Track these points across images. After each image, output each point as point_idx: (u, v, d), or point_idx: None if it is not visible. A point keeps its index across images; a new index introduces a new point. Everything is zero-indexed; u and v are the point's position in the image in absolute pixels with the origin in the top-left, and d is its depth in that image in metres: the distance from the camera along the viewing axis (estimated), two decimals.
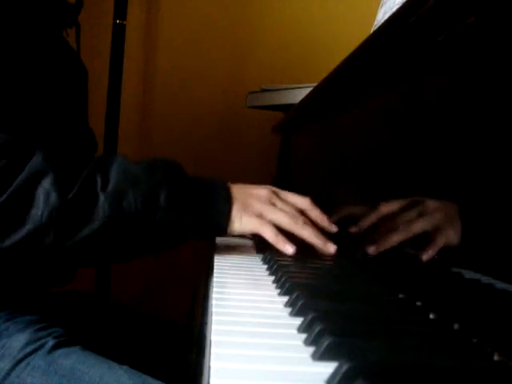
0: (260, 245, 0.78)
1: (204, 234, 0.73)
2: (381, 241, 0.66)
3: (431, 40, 0.57)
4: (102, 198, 0.64)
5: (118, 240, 0.67)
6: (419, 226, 0.59)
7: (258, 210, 0.71)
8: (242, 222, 0.70)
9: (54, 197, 0.62)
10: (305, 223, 0.72)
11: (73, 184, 0.63)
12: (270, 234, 0.70)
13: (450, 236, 0.54)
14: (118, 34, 1.67)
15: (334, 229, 0.75)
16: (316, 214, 0.75)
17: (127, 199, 0.65)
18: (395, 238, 0.64)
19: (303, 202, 0.75)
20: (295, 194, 0.76)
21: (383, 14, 0.98)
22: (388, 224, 0.66)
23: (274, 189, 0.75)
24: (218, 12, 1.83)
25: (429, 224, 0.58)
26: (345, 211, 0.85)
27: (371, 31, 0.90)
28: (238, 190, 0.72)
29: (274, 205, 0.73)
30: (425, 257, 0.58)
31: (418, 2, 0.52)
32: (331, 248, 0.72)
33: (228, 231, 0.71)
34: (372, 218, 0.71)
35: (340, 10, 1.78)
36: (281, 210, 0.72)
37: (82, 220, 0.63)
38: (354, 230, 0.74)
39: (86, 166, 0.66)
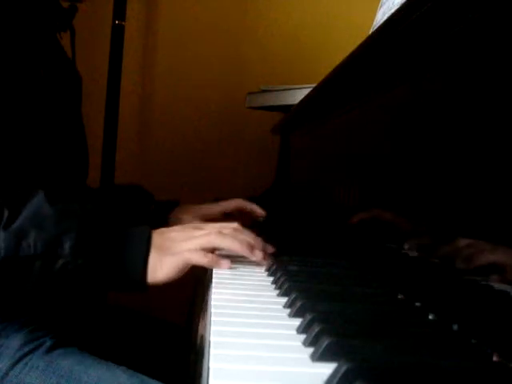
0: None
1: (121, 287, 0.68)
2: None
3: (430, 41, 0.57)
4: (1, 235, 0.62)
5: (14, 283, 0.64)
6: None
7: (176, 248, 0.68)
8: (162, 267, 0.66)
9: None
10: (225, 232, 0.69)
11: None
12: (198, 258, 0.66)
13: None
14: (117, 34, 1.67)
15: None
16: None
17: (27, 240, 0.62)
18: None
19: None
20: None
21: (382, 15, 0.98)
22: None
23: (197, 224, 0.74)
24: (218, 13, 1.83)
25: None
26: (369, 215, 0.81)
27: (370, 32, 0.90)
28: (158, 237, 0.68)
29: (192, 236, 0.69)
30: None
31: (416, 3, 0.52)
32: (258, 255, 0.69)
33: (151, 282, 0.66)
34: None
35: (339, 10, 1.78)
36: (198, 236, 0.69)
37: None
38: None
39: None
